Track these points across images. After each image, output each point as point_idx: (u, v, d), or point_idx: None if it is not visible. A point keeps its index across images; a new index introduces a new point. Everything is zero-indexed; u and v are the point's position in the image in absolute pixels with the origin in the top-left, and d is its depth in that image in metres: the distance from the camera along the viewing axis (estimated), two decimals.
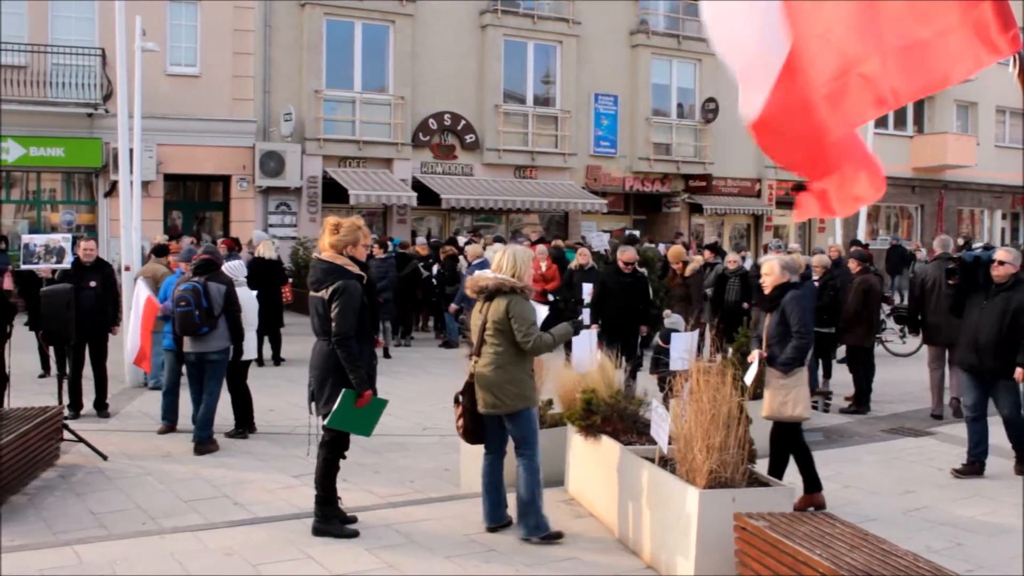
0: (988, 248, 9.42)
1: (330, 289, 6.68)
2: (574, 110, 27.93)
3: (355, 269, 6.80)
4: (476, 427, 6.91)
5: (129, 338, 11.42)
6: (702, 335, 8.77)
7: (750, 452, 6.42)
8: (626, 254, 12.50)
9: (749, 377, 8.05)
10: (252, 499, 7.87)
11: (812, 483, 7.66)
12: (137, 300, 11.26)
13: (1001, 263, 8.71)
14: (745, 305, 13.94)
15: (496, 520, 7.01)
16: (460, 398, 6.92)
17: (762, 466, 6.74)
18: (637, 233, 24.48)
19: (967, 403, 9.09)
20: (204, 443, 9.48)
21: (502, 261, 6.86)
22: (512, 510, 7.02)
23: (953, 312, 9.33)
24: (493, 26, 26.62)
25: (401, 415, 10.99)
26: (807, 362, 7.61)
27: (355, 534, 6.86)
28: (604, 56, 28.49)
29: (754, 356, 7.84)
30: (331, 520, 6.92)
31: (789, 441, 7.66)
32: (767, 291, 7.77)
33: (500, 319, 6.68)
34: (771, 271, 7.71)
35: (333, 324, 6.64)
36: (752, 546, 5.61)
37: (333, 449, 6.94)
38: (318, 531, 6.87)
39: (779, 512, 5.92)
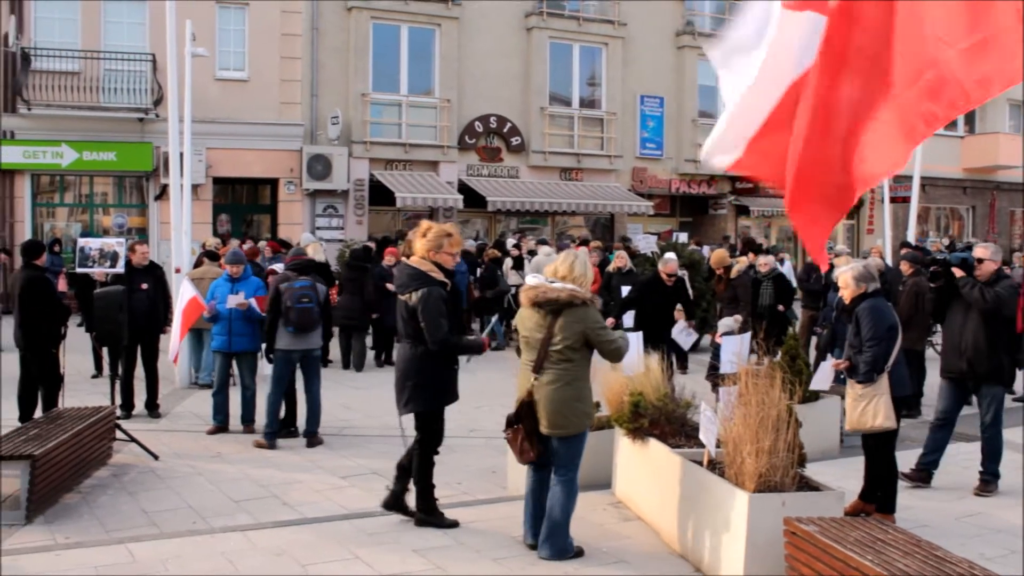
0: (970, 248, 9.02)
1: (414, 296, 6.79)
2: (620, 112, 27.86)
3: (438, 275, 6.87)
4: (543, 449, 6.48)
5: (172, 337, 11.53)
6: (753, 338, 8.71)
7: (800, 456, 6.36)
8: (668, 266, 12.53)
9: (816, 383, 8.10)
10: (300, 499, 7.94)
11: (887, 503, 7.54)
12: (182, 299, 11.37)
13: (980, 261, 8.34)
14: (780, 308, 13.84)
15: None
16: (517, 422, 6.48)
17: (812, 470, 6.66)
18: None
19: (939, 409, 8.69)
20: (315, 435, 9.89)
21: (572, 267, 6.38)
22: None
23: (935, 318, 8.90)
24: (538, 28, 26.62)
25: (448, 417, 10.99)
26: (887, 368, 7.41)
27: (455, 524, 7.08)
28: (650, 57, 28.38)
29: (835, 363, 7.83)
30: (433, 512, 7.14)
31: (880, 453, 7.56)
32: (847, 302, 7.75)
33: (576, 336, 6.27)
34: (846, 284, 7.68)
35: (425, 333, 6.77)
36: (802, 551, 5.56)
37: (424, 445, 7.11)
38: (421, 522, 7.10)
39: (829, 517, 5.87)
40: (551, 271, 6.45)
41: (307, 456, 9.40)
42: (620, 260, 15.39)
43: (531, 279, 6.52)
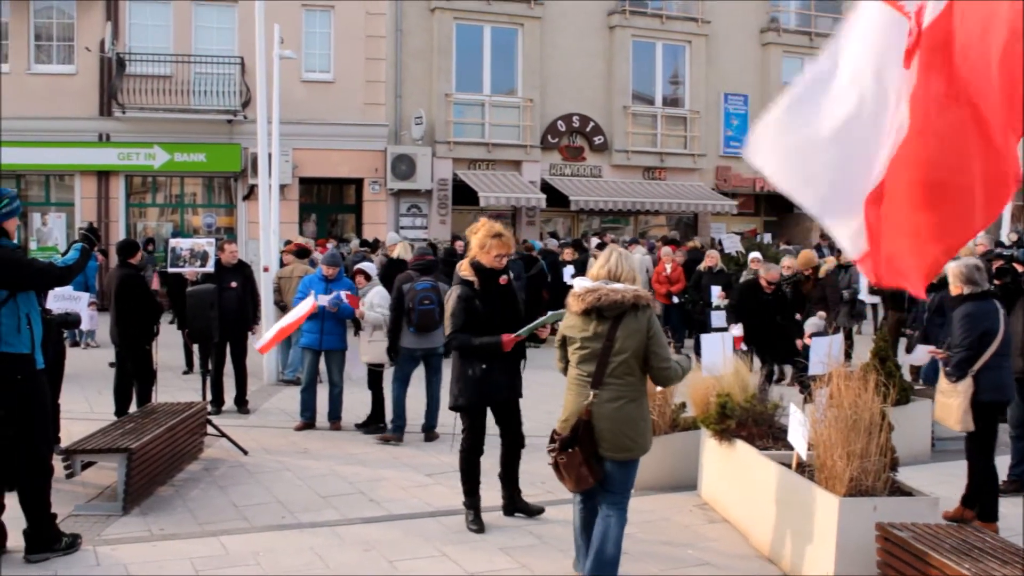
0: None
1: None
2: (703, 110, 27.59)
3: (467, 273, 6.96)
4: (601, 472, 5.66)
5: (271, 330, 11.47)
6: (847, 338, 8.58)
7: (892, 460, 6.23)
8: (770, 273, 12.10)
9: (911, 358, 8.49)
10: (387, 496, 8.02)
11: (987, 510, 7.29)
12: (304, 305, 10.97)
13: None
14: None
15: None
16: (572, 444, 5.60)
17: (903, 475, 6.51)
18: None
19: (1013, 416, 8.37)
20: (433, 430, 10.11)
21: (619, 264, 5.66)
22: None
23: None
24: (621, 27, 26.50)
25: (531, 416, 10.89)
26: (971, 372, 7.22)
27: (479, 530, 7.03)
28: (734, 55, 28.06)
29: (931, 351, 7.88)
30: (469, 506, 7.21)
31: (975, 458, 7.39)
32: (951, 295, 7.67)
33: (640, 342, 5.51)
34: (952, 281, 7.56)
35: None
36: (896, 557, 5.45)
37: (465, 445, 7.23)
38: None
39: (924, 523, 5.73)
40: (594, 273, 5.72)
41: (393, 453, 9.50)
42: (711, 259, 15.35)
43: (579, 282, 5.78)
